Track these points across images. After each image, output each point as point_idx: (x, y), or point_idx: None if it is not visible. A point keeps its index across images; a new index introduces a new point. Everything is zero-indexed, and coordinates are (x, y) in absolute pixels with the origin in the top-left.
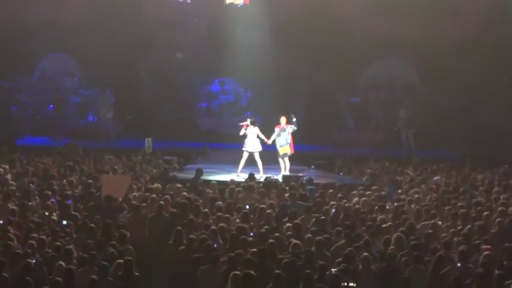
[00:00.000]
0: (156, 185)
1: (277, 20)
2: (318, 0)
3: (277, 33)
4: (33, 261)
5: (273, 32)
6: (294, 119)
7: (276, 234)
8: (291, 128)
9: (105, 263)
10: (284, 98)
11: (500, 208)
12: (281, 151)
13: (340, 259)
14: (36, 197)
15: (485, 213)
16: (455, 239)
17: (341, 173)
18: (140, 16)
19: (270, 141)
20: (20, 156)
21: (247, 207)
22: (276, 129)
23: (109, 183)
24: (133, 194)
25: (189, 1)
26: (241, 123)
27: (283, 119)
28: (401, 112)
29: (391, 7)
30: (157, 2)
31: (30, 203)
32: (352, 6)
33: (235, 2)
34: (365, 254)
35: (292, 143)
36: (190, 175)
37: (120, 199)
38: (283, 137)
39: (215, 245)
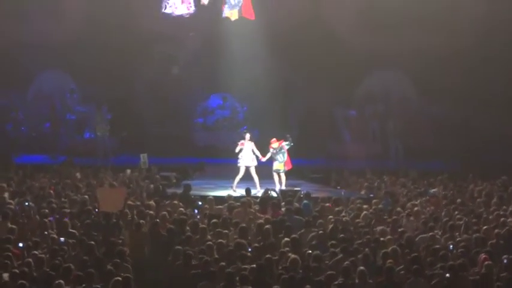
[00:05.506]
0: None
1: (273, 34)
2: (314, 14)
3: (273, 46)
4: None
5: (269, 45)
6: (290, 139)
7: (276, 248)
8: (287, 146)
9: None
10: (280, 112)
11: (498, 219)
12: (274, 166)
13: (337, 273)
14: (37, 216)
15: (483, 225)
16: (454, 251)
17: (338, 187)
18: (136, 31)
19: (264, 159)
20: (16, 175)
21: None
22: (271, 150)
23: (105, 196)
24: (132, 210)
25: (186, 16)
26: (239, 142)
27: (275, 143)
28: (390, 123)
29: (386, 21)
30: (152, 17)
31: (28, 222)
32: (348, 20)
33: (232, 18)
34: (361, 268)
35: (289, 159)
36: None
37: (117, 212)
38: (281, 154)
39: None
